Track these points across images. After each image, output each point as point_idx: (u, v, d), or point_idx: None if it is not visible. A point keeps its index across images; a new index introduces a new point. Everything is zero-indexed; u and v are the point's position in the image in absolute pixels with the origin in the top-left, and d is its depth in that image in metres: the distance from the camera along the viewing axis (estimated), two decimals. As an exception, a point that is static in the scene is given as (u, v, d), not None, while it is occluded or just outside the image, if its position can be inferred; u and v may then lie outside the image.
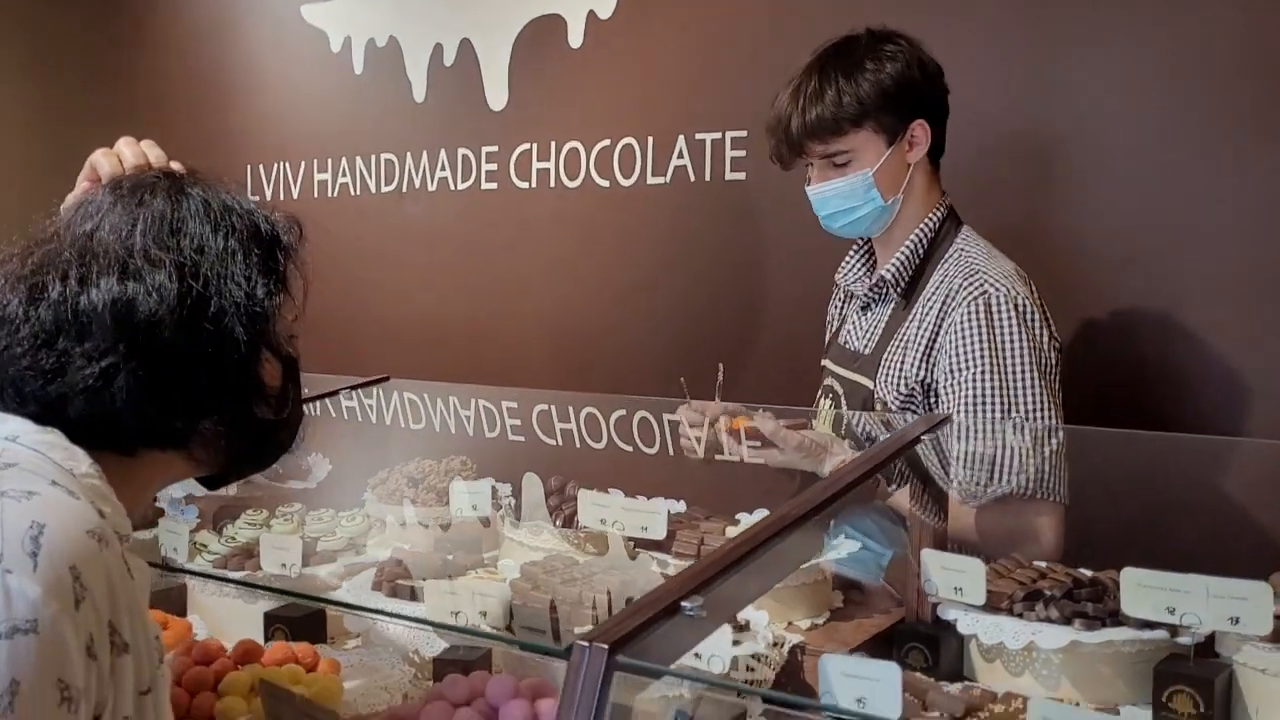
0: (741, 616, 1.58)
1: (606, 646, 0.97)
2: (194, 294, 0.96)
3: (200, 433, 0.99)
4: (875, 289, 1.91)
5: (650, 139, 2.98)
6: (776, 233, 2.80)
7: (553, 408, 2.79)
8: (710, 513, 1.92)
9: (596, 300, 3.12)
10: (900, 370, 1.81)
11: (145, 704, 0.88)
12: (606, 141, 3.05)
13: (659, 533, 1.71)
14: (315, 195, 3.69)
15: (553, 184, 3.18)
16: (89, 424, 0.93)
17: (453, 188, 3.39)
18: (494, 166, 3.29)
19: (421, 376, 2.84)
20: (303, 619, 1.65)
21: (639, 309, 3.04)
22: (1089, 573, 1.46)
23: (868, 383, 1.85)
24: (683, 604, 1.06)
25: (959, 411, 1.71)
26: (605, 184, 3.08)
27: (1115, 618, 1.34)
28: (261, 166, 3.80)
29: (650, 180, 3.01)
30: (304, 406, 1.16)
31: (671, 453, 2.70)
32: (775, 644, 1.52)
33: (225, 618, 1.76)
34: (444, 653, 1.52)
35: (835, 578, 1.75)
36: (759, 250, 2.85)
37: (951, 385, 1.73)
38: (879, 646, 1.62)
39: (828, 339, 2.07)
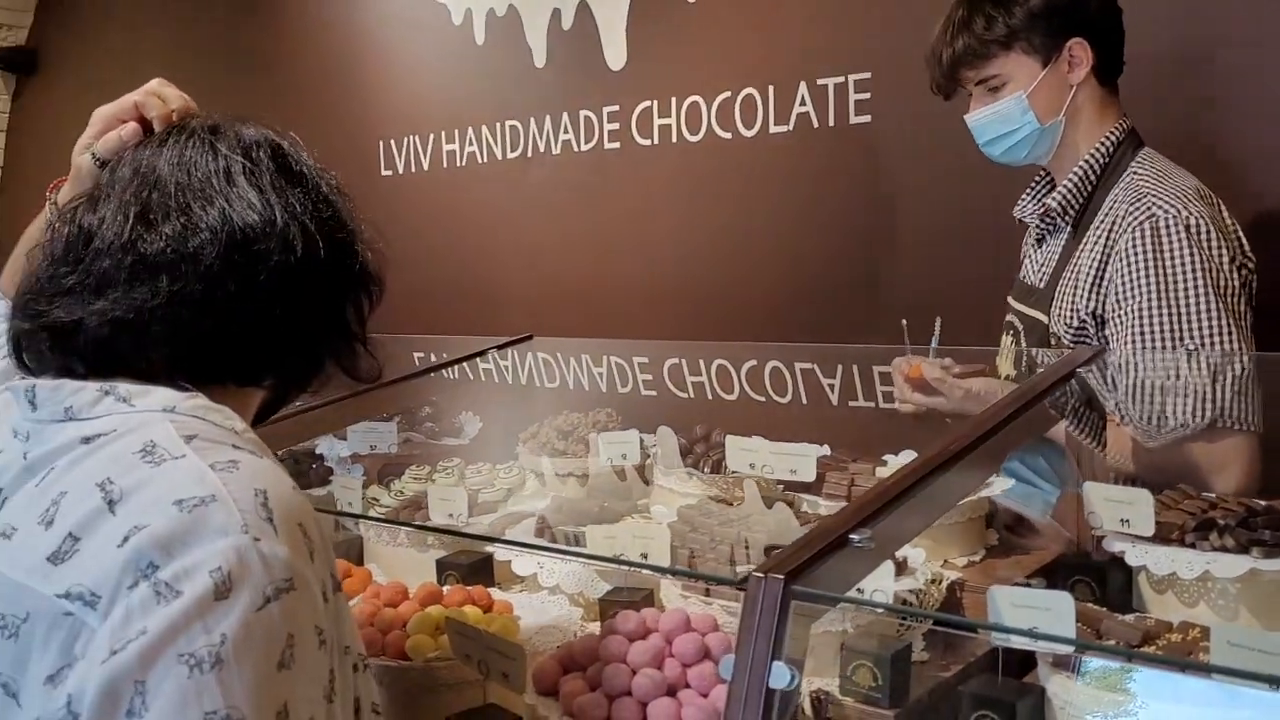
0: (899, 554, 1.60)
1: (783, 577, 1.01)
2: (302, 231, 0.98)
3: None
4: (1046, 219, 1.87)
5: (771, 88, 2.97)
6: (905, 175, 2.76)
7: (683, 360, 2.82)
8: (857, 455, 1.93)
9: (723, 252, 3.14)
10: (1072, 303, 1.77)
11: (341, 615, 0.93)
12: (727, 93, 3.05)
13: (809, 475, 1.74)
14: (445, 165, 3.79)
15: (675, 139, 3.20)
16: (208, 369, 0.96)
17: (576, 150, 3.43)
18: (616, 126, 3.33)
19: (557, 334, 2.91)
20: (472, 565, 1.74)
21: (765, 259, 3.05)
22: (1263, 502, 1.43)
23: (1043, 318, 1.83)
24: (851, 536, 1.09)
25: (1127, 343, 1.67)
26: (727, 136, 3.08)
27: (1297, 544, 1.31)
28: (392, 141, 3.92)
29: (773, 129, 3.00)
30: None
31: (805, 400, 2.73)
32: (934, 580, 1.54)
33: (399, 567, 1.87)
34: (608, 594, 1.59)
35: (990, 515, 1.75)
36: (887, 194, 2.82)
37: (1119, 315, 1.69)
38: (1035, 580, 1.62)
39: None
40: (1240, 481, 1.58)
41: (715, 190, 3.16)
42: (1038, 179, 1.94)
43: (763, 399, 2.77)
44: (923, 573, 1.53)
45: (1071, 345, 1.75)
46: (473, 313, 3.68)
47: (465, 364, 2.44)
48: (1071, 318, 1.76)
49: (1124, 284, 1.68)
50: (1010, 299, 1.96)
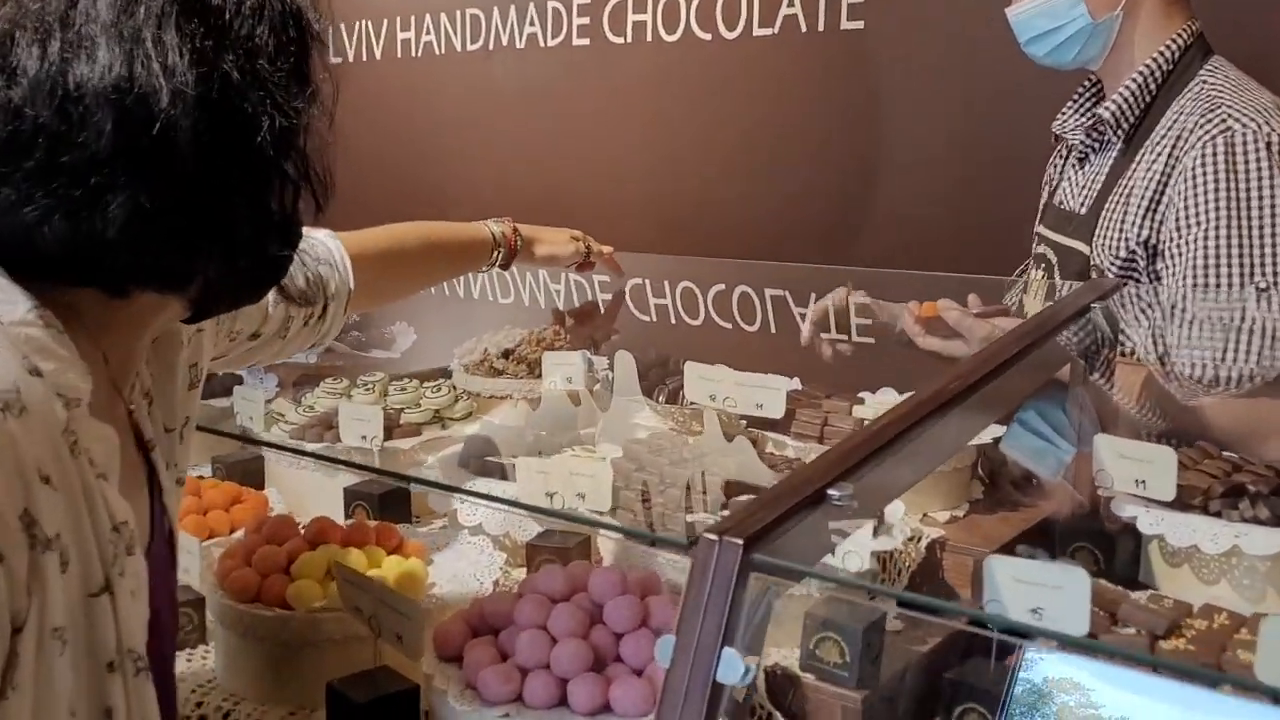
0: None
1: (741, 542, 0.79)
2: (218, 92, 0.71)
3: (203, 270, 0.76)
4: (1094, 132, 1.63)
5: (758, -16, 2.69)
6: (901, 88, 2.51)
7: (647, 281, 2.61)
8: (830, 391, 1.71)
9: (696, 164, 2.89)
10: (1120, 230, 1.53)
11: (97, 608, 0.70)
12: (709, -13, 2.77)
13: (777, 411, 1.52)
14: (399, 55, 3.49)
15: (649, 38, 2.92)
16: (65, 256, 0.71)
17: (542, 44, 3.15)
18: (586, 20, 3.04)
19: (511, 245, 2.67)
20: (386, 495, 1.52)
21: (741, 174, 2.80)
22: (1298, 467, 1.23)
23: (1083, 248, 1.59)
24: (830, 491, 0.87)
25: (1187, 277, 1.45)
26: (707, 37, 2.81)
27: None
28: (343, 25, 3.60)
29: (756, 32, 2.72)
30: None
31: (775, 330, 2.53)
32: (912, 538, 1.34)
33: (304, 492, 1.64)
34: (538, 537, 1.37)
35: (975, 464, 1.55)
36: (880, 108, 2.57)
37: (1179, 245, 1.46)
38: (1031, 541, 1.42)
39: (1043, 202, 1.80)
40: None
41: (691, 96, 2.89)
42: (1083, 88, 1.69)
43: (729, 325, 2.58)
44: (900, 529, 1.32)
45: (1122, 277, 1.53)
46: (422, 218, 3.40)
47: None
48: (1119, 246, 1.53)
49: (1188, 208, 1.45)
50: (1041, 227, 1.72)
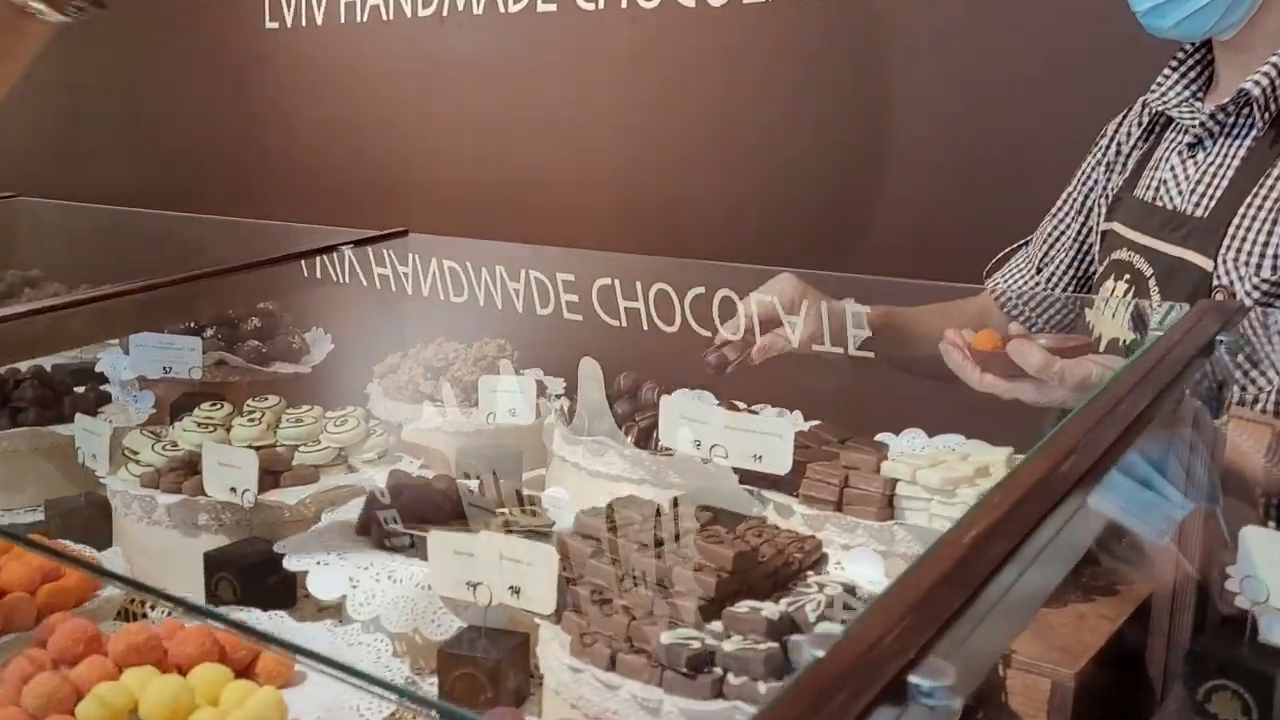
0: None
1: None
2: None
3: None
4: (1223, 112, 1.25)
5: (751, -60, 2.32)
6: (912, 65, 2.14)
7: (616, 282, 2.27)
8: (844, 434, 1.35)
9: (678, 150, 2.50)
10: (1267, 243, 1.18)
11: None
12: (694, -55, 2.40)
13: (780, 465, 1.15)
14: (342, 20, 3.09)
15: (625, 5, 2.54)
16: None
17: (503, 10, 2.77)
18: (553, -18, 2.66)
19: (472, 235, 2.30)
20: (259, 566, 1.14)
21: (729, 162, 2.42)
22: None
23: (1201, 260, 1.22)
24: (914, 681, 0.50)
25: None
26: (690, 4, 2.43)
27: None
28: (279, -14, 3.20)
29: (748, -2, 2.35)
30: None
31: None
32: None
33: (160, 555, 1.25)
34: (455, 640, 0.99)
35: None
36: (887, 89, 2.20)
37: None
38: (1123, 655, 1.06)
39: (1109, 191, 1.42)
40: None
41: (671, 71, 2.51)
42: (1180, 57, 1.32)
43: (708, 332, 2.22)
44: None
45: (1256, 306, 1.16)
46: (367, 201, 3.02)
47: (317, 260, 1.81)
48: (1262, 262, 1.17)
49: None
50: (1120, 226, 1.35)
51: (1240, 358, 1.13)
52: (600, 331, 2.30)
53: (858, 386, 1.99)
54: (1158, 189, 1.30)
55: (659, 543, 0.97)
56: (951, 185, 2.07)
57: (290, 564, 1.06)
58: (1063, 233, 1.48)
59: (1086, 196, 1.45)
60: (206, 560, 1.16)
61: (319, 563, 1.05)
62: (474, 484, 1.23)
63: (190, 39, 3.48)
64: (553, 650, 0.92)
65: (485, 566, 0.98)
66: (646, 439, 1.32)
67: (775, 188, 2.38)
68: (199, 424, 1.34)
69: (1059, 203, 1.50)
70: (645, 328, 2.28)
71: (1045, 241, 1.50)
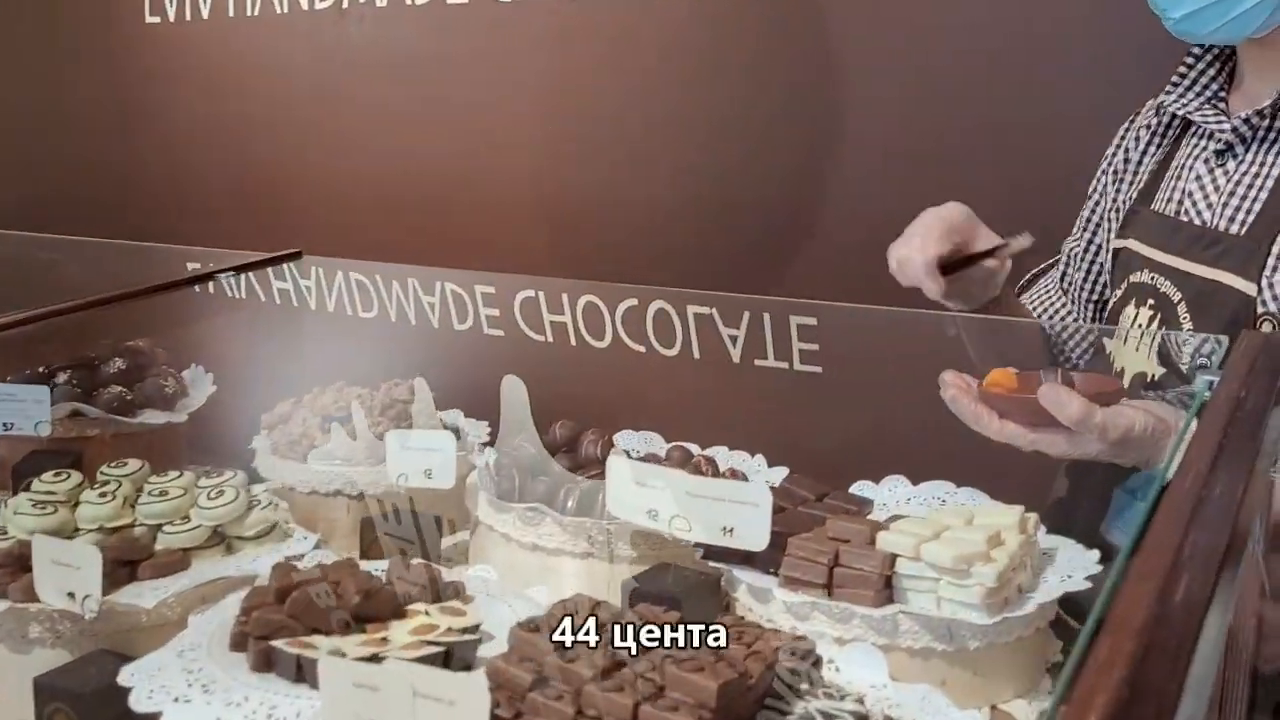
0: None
1: None
2: None
3: None
4: (1259, 116, 1.09)
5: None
6: (867, 54, 1.97)
7: (541, 294, 2.09)
8: (821, 488, 1.15)
9: (604, 153, 2.29)
10: None
11: None
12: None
13: (757, 539, 0.95)
14: (230, 13, 2.82)
15: (546, -8, 2.33)
16: None
17: (409, 1, 2.53)
18: (464, -30, 2.43)
19: (362, 257, 2.06)
20: (98, 696, 0.90)
21: (660, 164, 2.21)
22: None
23: (1242, 284, 1.05)
24: None
25: None
26: (616, -10, 2.23)
27: None
28: (162, -24, 2.91)
29: (680, -16, 2.16)
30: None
31: (698, 355, 2.05)
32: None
33: (-18, 675, 1.00)
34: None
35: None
36: (836, 83, 2.02)
37: None
38: None
39: (1121, 206, 1.25)
40: None
41: (597, 65, 2.31)
42: (1193, 58, 1.15)
43: (643, 348, 2.07)
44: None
45: None
46: (258, 220, 2.75)
47: (197, 288, 1.55)
48: None
49: None
50: (1137, 244, 1.18)
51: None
52: (526, 350, 2.09)
53: (817, 415, 1.81)
54: (1181, 202, 1.13)
55: (618, 666, 0.76)
56: (925, 191, 1.89)
57: (138, 703, 0.82)
58: (1080, 256, 1.32)
59: (1093, 211, 1.29)
60: (36, 687, 0.92)
61: (176, 699, 0.82)
62: (381, 567, 1.01)
63: (59, 33, 3.16)
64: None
65: (394, 706, 0.76)
66: (590, 504, 1.10)
67: (713, 192, 2.18)
68: (35, 503, 1.08)
69: (1078, 222, 1.33)
70: (573, 342, 2.08)
71: (1066, 263, 1.34)
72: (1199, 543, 0.59)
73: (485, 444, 1.35)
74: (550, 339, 2.09)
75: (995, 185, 1.63)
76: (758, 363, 1.93)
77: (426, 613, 0.94)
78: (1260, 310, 1.02)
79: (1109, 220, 1.25)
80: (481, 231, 2.47)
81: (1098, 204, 1.28)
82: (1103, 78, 1.68)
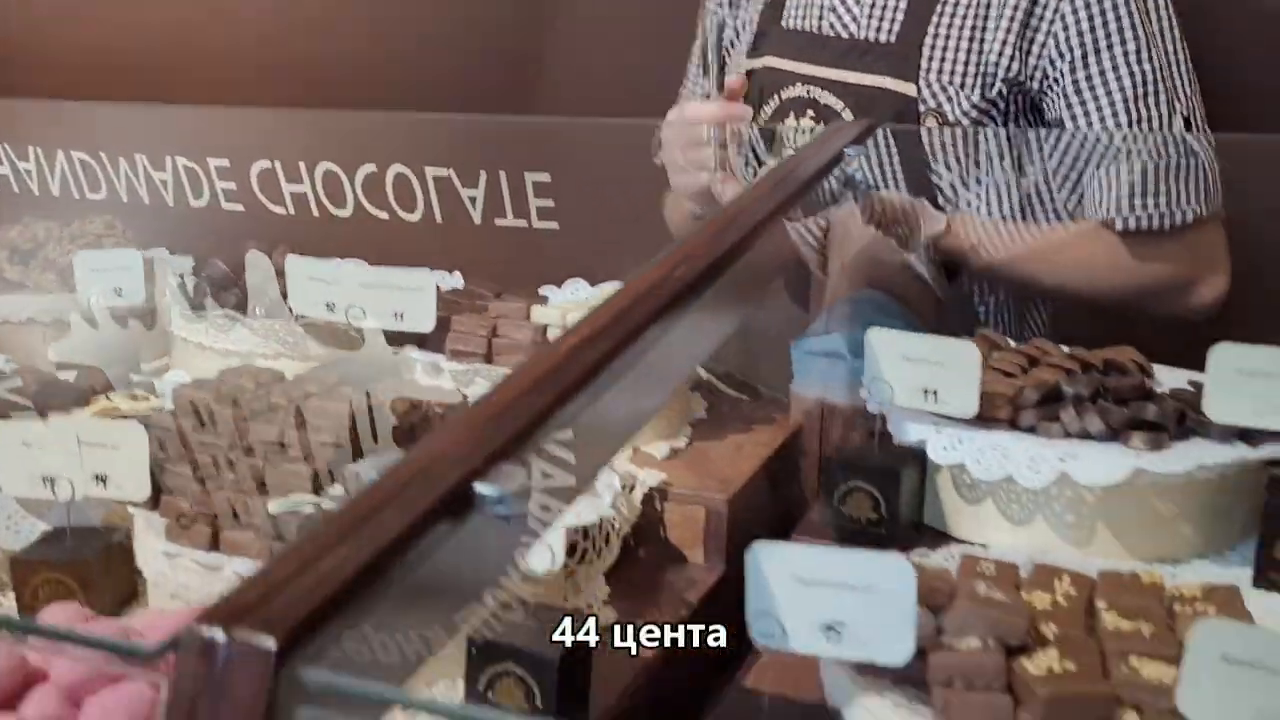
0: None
1: (273, 648, 0.34)
2: None
3: None
4: None
5: None
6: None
7: (278, 165, 2.02)
8: (500, 288, 1.27)
9: None
10: (975, 62, 1.15)
11: None
12: None
13: (423, 320, 1.06)
14: None
15: None
16: None
17: None
18: None
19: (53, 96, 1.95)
20: None
21: None
22: (1093, 355, 0.93)
23: (901, 86, 1.16)
24: (479, 490, 0.43)
25: (1109, 121, 1.11)
26: None
27: (1185, 427, 0.83)
28: None
29: None
30: None
31: (440, 219, 2.06)
32: (623, 487, 0.94)
33: None
34: (28, 550, 0.83)
35: (697, 378, 1.18)
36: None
37: (1085, 80, 1.11)
38: (777, 478, 1.07)
39: (748, 26, 1.31)
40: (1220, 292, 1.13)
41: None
42: None
43: (385, 215, 2.06)
44: (606, 482, 0.92)
45: (975, 124, 1.16)
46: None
47: None
48: (973, 88, 1.14)
49: (1092, 28, 1.11)
50: (778, 60, 1.26)
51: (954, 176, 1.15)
52: (263, 220, 2.06)
53: (525, 249, 1.89)
54: (823, 17, 1.23)
55: (273, 409, 0.85)
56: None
57: None
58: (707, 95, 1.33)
59: (704, 53, 1.32)
60: None
61: None
62: (71, 375, 1.06)
63: None
64: (148, 541, 0.79)
65: (63, 457, 0.83)
66: (280, 310, 1.18)
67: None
68: None
69: (689, 72, 1.39)
70: (315, 213, 2.06)
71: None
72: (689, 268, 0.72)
73: (183, 275, 1.37)
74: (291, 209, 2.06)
75: None
76: (498, 221, 1.98)
77: (109, 398, 1.00)
78: (922, 108, 1.16)
79: (733, 45, 1.31)
80: (190, 66, 2.28)
81: (707, 42, 1.31)
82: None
